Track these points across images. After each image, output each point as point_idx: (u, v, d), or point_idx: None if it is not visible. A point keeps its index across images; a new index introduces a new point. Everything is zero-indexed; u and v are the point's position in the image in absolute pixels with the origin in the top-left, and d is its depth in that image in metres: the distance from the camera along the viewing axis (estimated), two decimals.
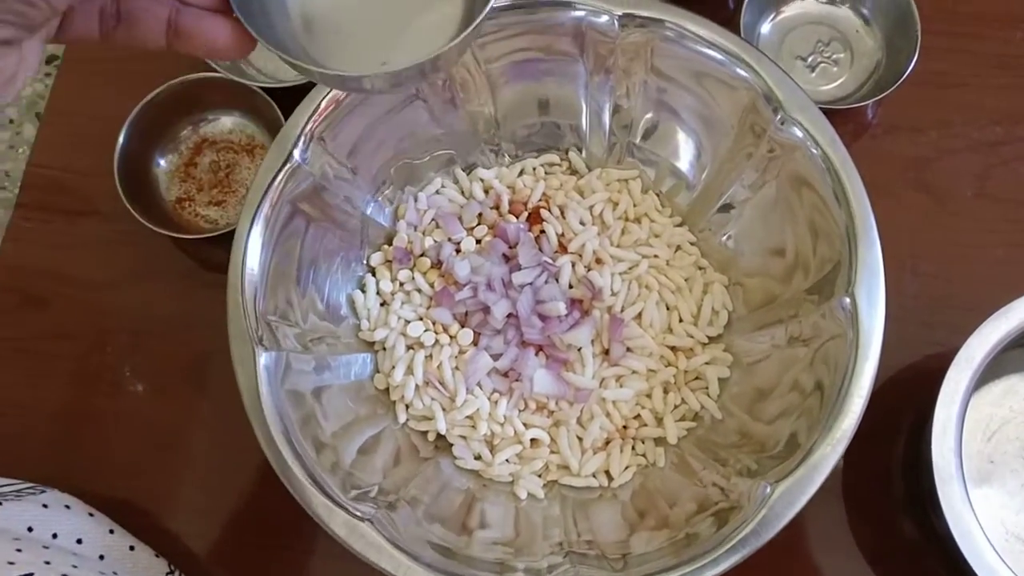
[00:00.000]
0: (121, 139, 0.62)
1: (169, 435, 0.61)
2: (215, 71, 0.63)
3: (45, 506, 0.53)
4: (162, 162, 0.66)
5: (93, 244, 0.65)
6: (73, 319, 0.64)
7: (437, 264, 0.59)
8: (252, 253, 0.51)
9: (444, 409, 0.56)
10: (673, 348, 0.57)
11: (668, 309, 0.58)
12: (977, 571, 0.49)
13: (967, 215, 0.63)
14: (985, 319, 0.56)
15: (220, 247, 0.63)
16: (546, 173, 0.62)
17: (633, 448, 0.56)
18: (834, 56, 0.65)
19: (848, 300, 0.49)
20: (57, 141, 0.69)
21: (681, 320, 0.58)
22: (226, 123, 0.66)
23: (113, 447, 0.61)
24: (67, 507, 0.55)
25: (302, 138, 0.53)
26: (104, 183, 0.63)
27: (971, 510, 0.49)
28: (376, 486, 0.51)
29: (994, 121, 0.64)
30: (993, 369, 0.55)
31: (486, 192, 0.61)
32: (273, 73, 0.68)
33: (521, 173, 0.62)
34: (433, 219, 0.60)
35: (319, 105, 0.53)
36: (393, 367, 0.56)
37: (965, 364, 0.51)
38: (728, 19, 0.67)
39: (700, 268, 0.59)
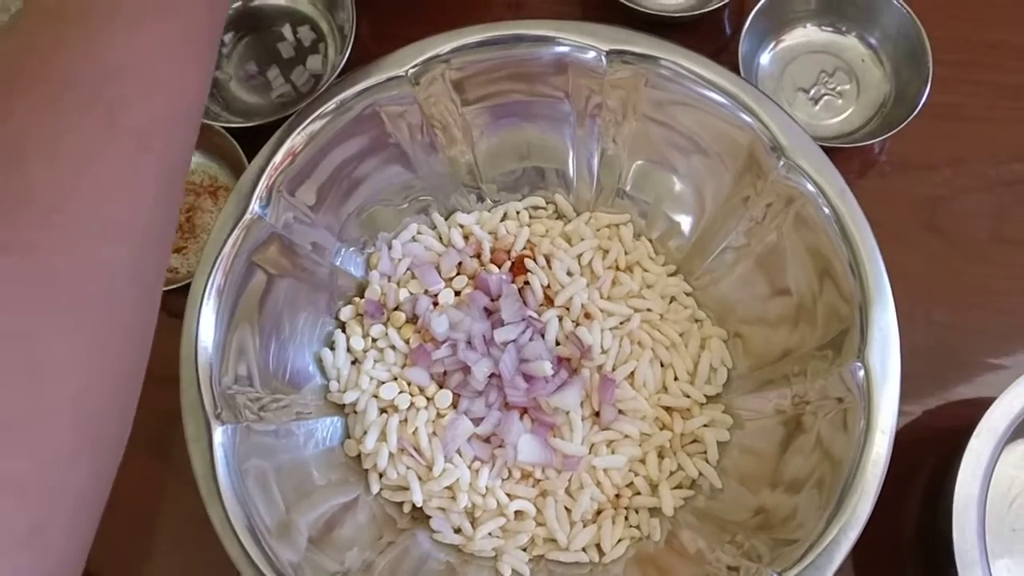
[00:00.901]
0: None
1: (128, 506, 0.57)
2: None
3: None
4: None
5: None
6: None
7: (413, 319, 0.54)
8: (206, 325, 0.47)
9: (421, 479, 0.52)
10: (668, 409, 0.53)
11: (662, 367, 0.54)
12: None
13: (983, 259, 0.58)
14: (1004, 373, 0.52)
15: (181, 297, 0.58)
16: (531, 218, 0.58)
17: (626, 519, 0.52)
18: (839, 88, 0.61)
19: (861, 371, 0.45)
20: None
21: (677, 378, 0.54)
22: None
23: None
24: None
25: (262, 189, 0.48)
26: None
27: None
28: (341, 573, 0.47)
29: (1012, 158, 0.60)
30: (1016, 429, 0.50)
31: (466, 239, 0.57)
32: (240, 108, 0.63)
33: (504, 218, 0.57)
34: (408, 269, 0.56)
35: (279, 153, 0.49)
36: (365, 432, 0.52)
37: (988, 435, 0.47)
38: (724, 46, 0.63)
39: (696, 321, 0.55)
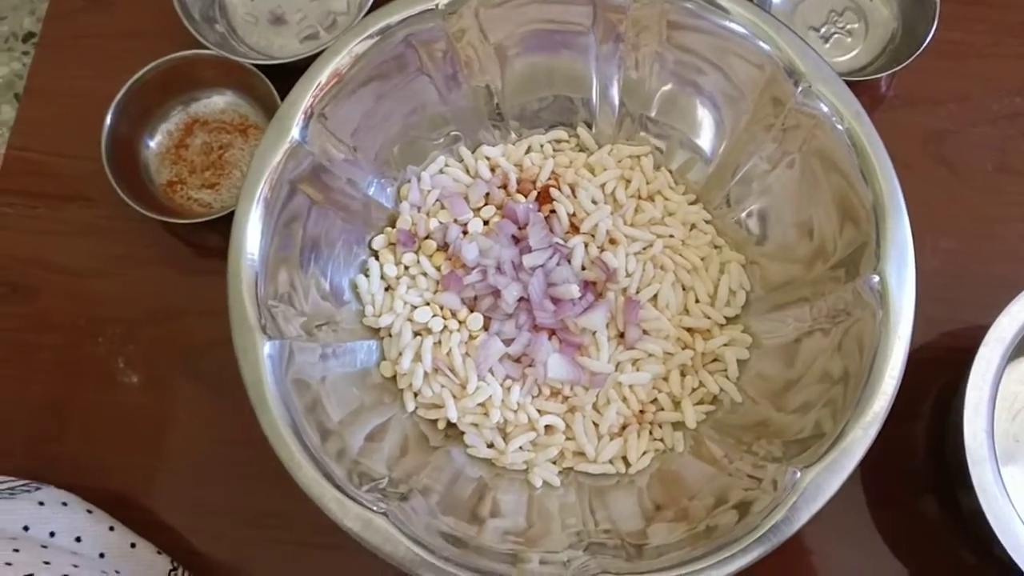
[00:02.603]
0: (108, 120, 0.59)
1: (166, 428, 0.59)
2: (206, 48, 0.60)
3: (41, 504, 0.51)
4: (151, 144, 0.63)
5: (81, 230, 0.63)
6: (62, 309, 0.61)
7: (443, 247, 0.57)
8: (252, 238, 0.49)
9: (455, 397, 0.54)
10: (690, 330, 0.55)
11: (684, 290, 0.56)
12: (1011, 552, 0.47)
13: (988, 189, 0.61)
14: (1009, 295, 0.54)
15: (214, 232, 0.61)
16: (554, 150, 0.60)
17: (651, 433, 0.54)
18: (848, 26, 0.63)
19: (876, 278, 0.47)
20: (39, 123, 0.65)
21: (698, 301, 0.56)
22: (218, 102, 0.63)
23: (108, 442, 0.59)
24: (64, 504, 0.53)
25: (302, 115, 0.50)
26: (90, 166, 0.61)
27: (1004, 491, 0.48)
28: (386, 477, 0.49)
29: (1015, 92, 0.62)
30: (1017, 346, 0.53)
31: (492, 171, 0.59)
32: (266, 49, 0.65)
33: (528, 151, 0.59)
34: (438, 200, 0.58)
35: (320, 80, 0.50)
36: (400, 354, 0.54)
37: (996, 344, 0.49)
38: None
39: (716, 247, 0.57)
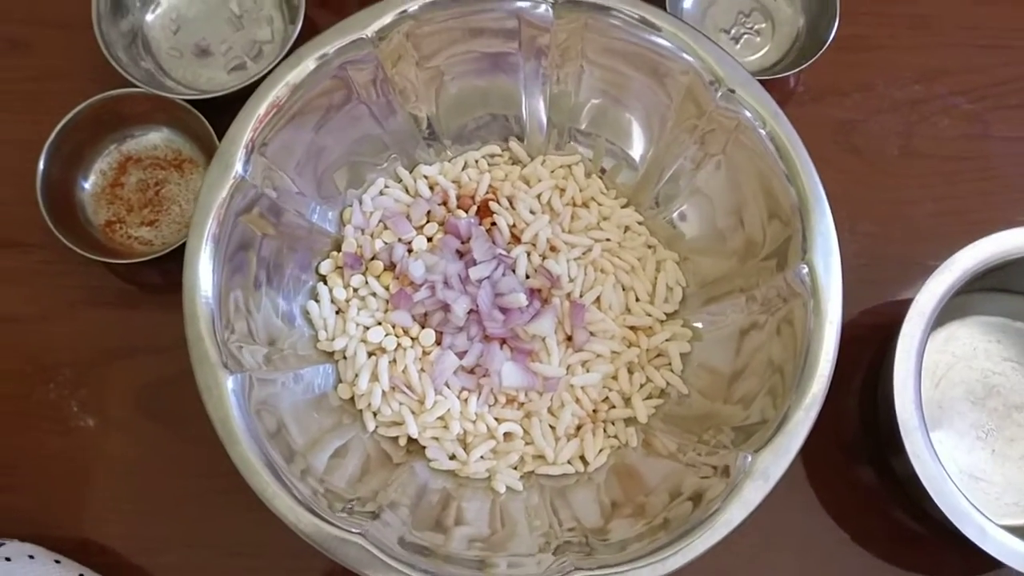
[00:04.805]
0: (41, 164, 0.59)
1: (129, 468, 0.59)
2: (136, 86, 0.60)
3: (7, 559, 0.51)
4: (86, 185, 0.62)
5: (21, 277, 0.62)
6: (8, 358, 0.61)
7: (390, 266, 0.58)
8: (204, 278, 0.49)
9: (414, 413, 0.55)
10: (633, 328, 0.58)
11: (624, 290, 0.59)
12: (945, 511, 0.51)
13: (896, 173, 0.65)
14: (924, 272, 0.58)
15: (158, 268, 0.61)
16: (489, 165, 0.62)
17: (605, 431, 0.57)
18: (756, 27, 0.67)
19: (805, 268, 0.50)
20: None
21: (638, 299, 0.59)
22: (151, 139, 0.63)
23: (70, 488, 0.58)
24: (31, 557, 0.52)
25: (243, 150, 0.51)
26: (25, 211, 0.60)
27: (936, 458, 0.52)
28: (356, 498, 0.50)
29: (913, 80, 0.66)
30: (937, 318, 0.57)
31: (431, 189, 0.60)
32: (194, 83, 0.65)
33: (464, 167, 0.61)
34: (380, 220, 0.59)
35: (259, 113, 0.51)
36: (357, 375, 0.55)
37: (917, 318, 0.53)
38: None
39: (650, 247, 0.60)
